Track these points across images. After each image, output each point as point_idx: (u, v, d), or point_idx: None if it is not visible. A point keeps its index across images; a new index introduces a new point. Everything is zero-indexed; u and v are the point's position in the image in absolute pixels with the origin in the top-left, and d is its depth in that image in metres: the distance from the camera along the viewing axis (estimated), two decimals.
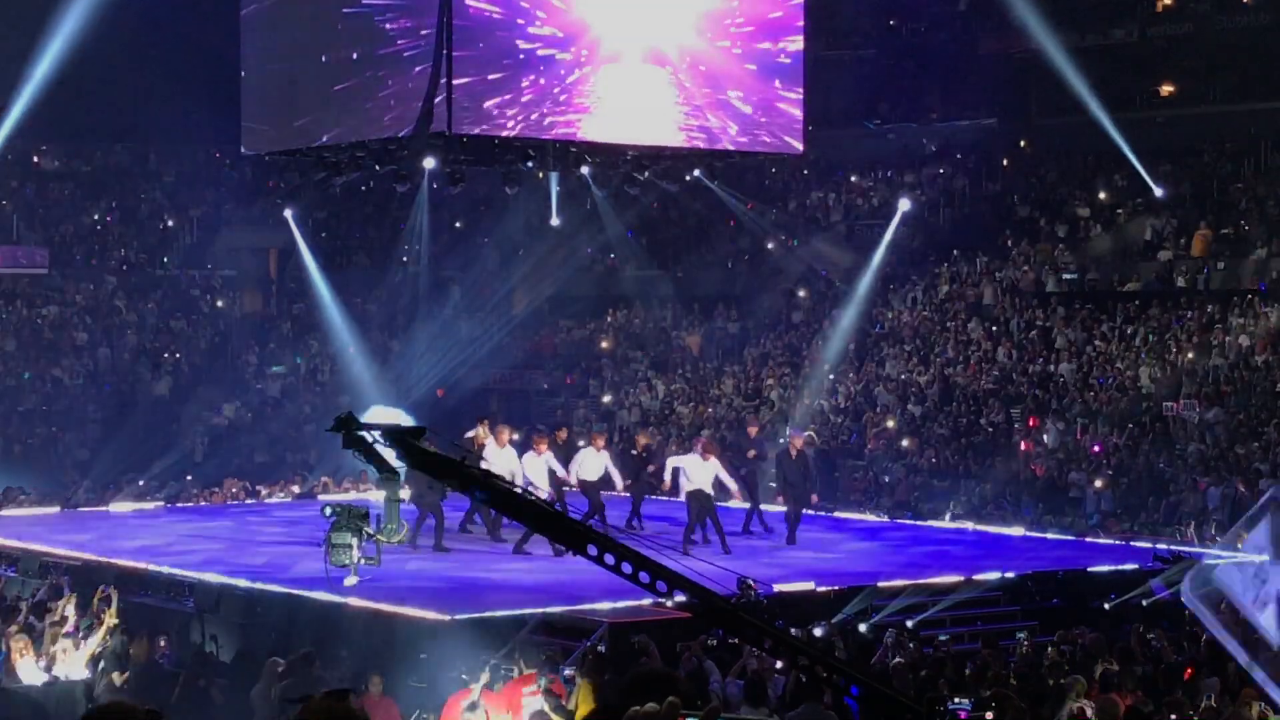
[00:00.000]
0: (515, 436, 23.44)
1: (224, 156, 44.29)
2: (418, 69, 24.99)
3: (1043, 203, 39.56)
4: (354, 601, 18.14)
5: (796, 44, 27.60)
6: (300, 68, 27.21)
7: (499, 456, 21.92)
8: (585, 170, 29.57)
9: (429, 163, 28.54)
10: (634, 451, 25.12)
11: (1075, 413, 31.60)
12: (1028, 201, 39.88)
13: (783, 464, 23.86)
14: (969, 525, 26.68)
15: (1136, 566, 21.54)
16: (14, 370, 39.17)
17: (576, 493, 23.08)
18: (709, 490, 22.54)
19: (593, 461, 22.97)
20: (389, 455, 12.26)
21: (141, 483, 31.91)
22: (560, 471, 22.54)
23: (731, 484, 23.23)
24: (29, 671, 16.22)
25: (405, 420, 20.68)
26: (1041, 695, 13.91)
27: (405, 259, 43.66)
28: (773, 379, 36.67)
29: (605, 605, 17.37)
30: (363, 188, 41.29)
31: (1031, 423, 31.81)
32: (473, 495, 12.55)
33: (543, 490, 21.43)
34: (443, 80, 24.51)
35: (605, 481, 22.95)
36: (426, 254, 40.80)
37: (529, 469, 21.94)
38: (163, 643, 18.08)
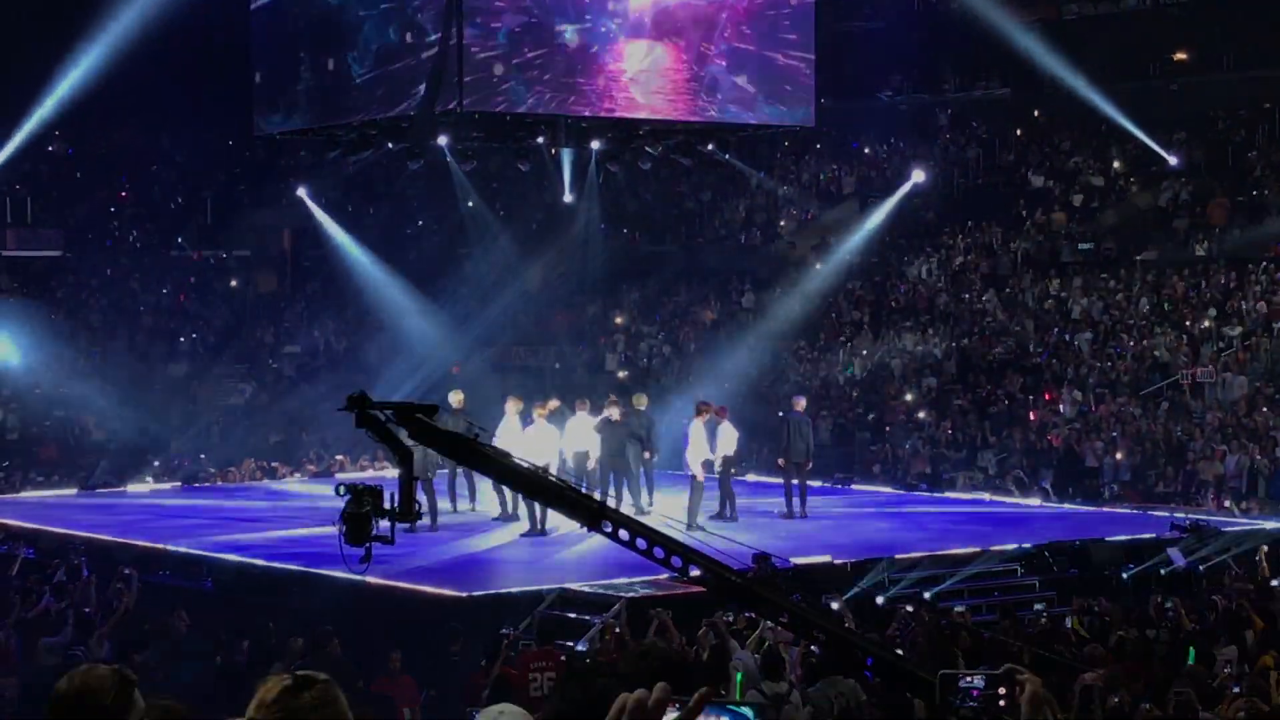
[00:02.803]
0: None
1: (236, 137, 44.19)
2: (429, 44, 24.94)
3: (1057, 172, 39.41)
4: (370, 580, 18.15)
5: (809, 15, 27.48)
6: (310, 46, 27.19)
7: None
8: (598, 145, 29.47)
9: (441, 140, 28.48)
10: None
11: (1092, 382, 31.52)
12: (1042, 171, 39.72)
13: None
14: (986, 496, 26.63)
15: (1154, 536, 21.52)
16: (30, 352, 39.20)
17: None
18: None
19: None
20: (402, 434, 12.22)
21: (158, 463, 31.99)
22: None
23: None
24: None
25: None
26: (1057, 666, 13.88)
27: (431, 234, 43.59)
28: (788, 352, 36.60)
29: (623, 581, 17.39)
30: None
31: (1047, 395, 31.72)
32: (487, 473, 12.48)
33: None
34: (453, 52, 24.45)
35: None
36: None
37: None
38: (182, 623, 18.13)
